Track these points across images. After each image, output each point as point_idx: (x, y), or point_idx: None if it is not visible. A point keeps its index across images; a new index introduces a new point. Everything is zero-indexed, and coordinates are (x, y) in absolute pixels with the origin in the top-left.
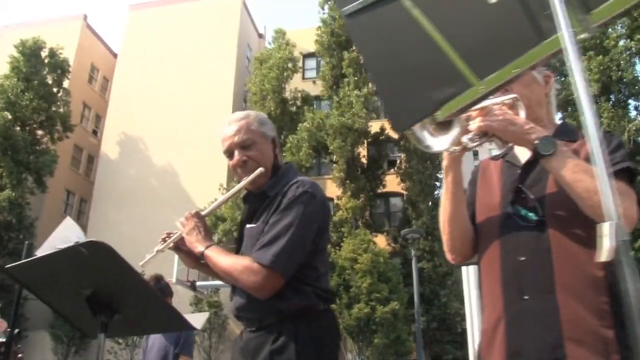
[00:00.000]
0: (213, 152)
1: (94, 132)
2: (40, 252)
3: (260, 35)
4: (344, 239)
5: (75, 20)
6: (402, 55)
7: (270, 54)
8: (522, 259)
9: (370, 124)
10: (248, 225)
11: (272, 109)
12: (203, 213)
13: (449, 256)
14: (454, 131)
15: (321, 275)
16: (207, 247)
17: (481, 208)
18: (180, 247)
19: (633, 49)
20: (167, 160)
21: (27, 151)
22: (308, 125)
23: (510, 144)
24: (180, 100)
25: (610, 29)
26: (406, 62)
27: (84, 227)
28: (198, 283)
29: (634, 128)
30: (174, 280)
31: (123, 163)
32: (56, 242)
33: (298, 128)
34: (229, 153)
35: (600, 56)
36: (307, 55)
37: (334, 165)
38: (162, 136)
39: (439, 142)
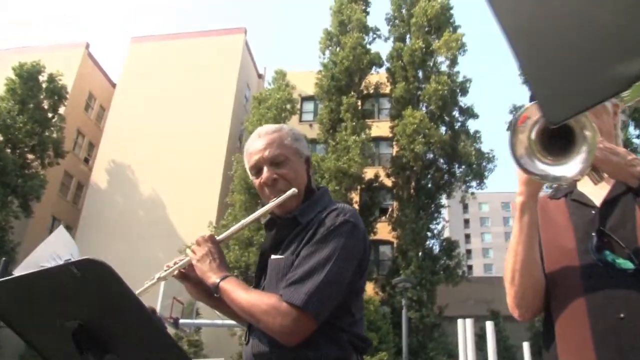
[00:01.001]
0: (205, 188)
1: (86, 160)
2: (20, 270)
3: (260, 76)
4: None
5: (77, 48)
6: (566, 12)
7: (269, 94)
8: (621, 316)
9: (364, 170)
10: (273, 256)
11: None
12: (219, 238)
13: (516, 312)
14: (582, 149)
15: (357, 321)
16: (222, 279)
17: (551, 254)
18: (187, 275)
19: (627, 110)
20: (157, 194)
21: (16, 174)
22: None
23: (572, 181)
24: (176, 134)
25: None
26: (573, 21)
27: None
28: (181, 321)
29: None
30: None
31: (113, 193)
32: (43, 257)
33: None
34: (257, 169)
35: None
36: (306, 98)
37: None
38: (155, 169)
39: (569, 169)
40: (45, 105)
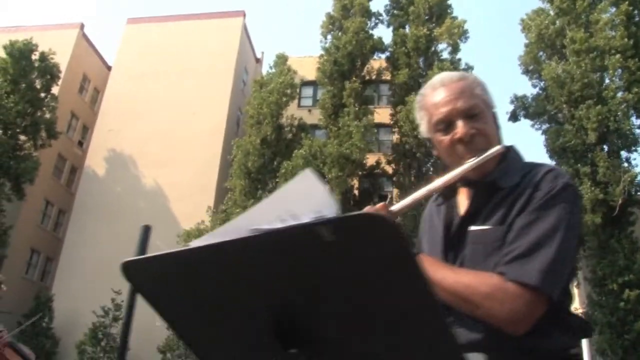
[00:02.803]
0: (202, 173)
1: (80, 144)
2: (218, 236)
3: (258, 60)
4: None
5: (72, 29)
6: None
7: (270, 78)
8: None
9: (366, 156)
10: (474, 227)
11: (268, 133)
12: (393, 208)
13: None
14: None
15: (571, 302)
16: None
17: None
18: None
19: (630, 101)
20: (154, 179)
21: (8, 156)
22: (304, 153)
23: None
24: (173, 119)
25: (608, 80)
26: None
27: (60, 240)
28: None
29: (628, 179)
30: None
31: (108, 178)
32: (265, 216)
33: (293, 155)
34: (447, 124)
35: (599, 106)
36: (305, 84)
37: None
38: (151, 154)
39: None
40: (38, 85)
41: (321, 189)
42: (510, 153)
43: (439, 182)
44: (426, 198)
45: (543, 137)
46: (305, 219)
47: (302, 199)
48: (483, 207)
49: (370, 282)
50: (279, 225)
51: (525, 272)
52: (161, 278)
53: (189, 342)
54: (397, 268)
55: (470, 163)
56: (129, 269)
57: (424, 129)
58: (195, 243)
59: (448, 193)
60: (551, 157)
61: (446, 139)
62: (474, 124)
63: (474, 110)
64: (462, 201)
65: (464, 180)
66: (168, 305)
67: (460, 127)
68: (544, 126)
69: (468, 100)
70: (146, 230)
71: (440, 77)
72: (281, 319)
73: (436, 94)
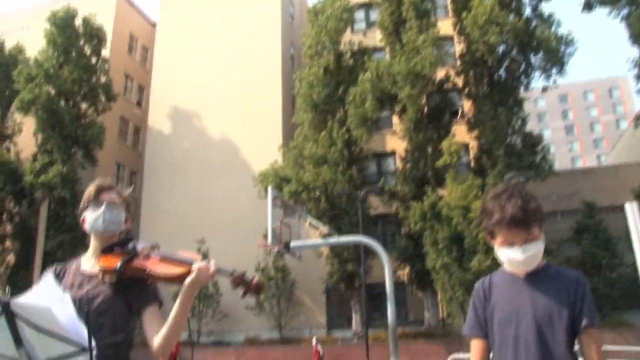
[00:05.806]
0: (265, 115)
1: (138, 104)
2: None
3: None
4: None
5: None
6: None
7: (324, 5)
8: None
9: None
10: None
11: (330, 62)
12: None
13: None
14: None
15: None
16: None
17: None
18: None
19: None
20: (219, 128)
21: (74, 125)
22: (370, 76)
23: None
24: (227, 66)
25: None
26: None
27: (136, 201)
28: (292, 244)
29: None
30: (269, 242)
31: (172, 134)
32: None
33: (359, 80)
34: None
35: None
36: (359, 6)
37: (400, 116)
38: (210, 103)
39: None
40: (87, 51)
41: None
42: None
43: None
44: None
45: (623, 24)
46: None
47: None
48: None
49: None
50: None
51: None
52: None
53: None
54: None
55: None
56: None
57: None
58: None
59: None
60: (636, 42)
61: None
62: None
63: None
64: None
65: None
66: None
67: None
68: (623, 11)
69: None
70: None
71: None
72: None
73: None
